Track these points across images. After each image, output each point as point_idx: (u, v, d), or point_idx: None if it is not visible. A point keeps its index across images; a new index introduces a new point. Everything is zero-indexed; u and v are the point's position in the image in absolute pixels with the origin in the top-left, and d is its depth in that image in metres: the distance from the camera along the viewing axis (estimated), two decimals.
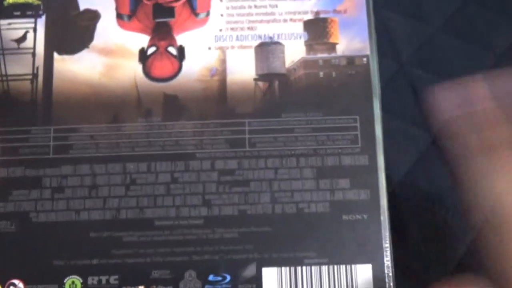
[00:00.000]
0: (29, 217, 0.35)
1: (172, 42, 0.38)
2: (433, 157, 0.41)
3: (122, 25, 0.38)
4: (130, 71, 0.38)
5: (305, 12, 0.39)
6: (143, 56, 0.38)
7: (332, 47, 0.38)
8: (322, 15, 0.39)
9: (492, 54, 0.44)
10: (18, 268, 0.35)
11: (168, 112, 0.37)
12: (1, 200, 0.36)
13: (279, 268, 0.35)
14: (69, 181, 0.36)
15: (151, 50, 0.38)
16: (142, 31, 0.38)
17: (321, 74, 0.38)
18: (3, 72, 0.38)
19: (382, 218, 0.35)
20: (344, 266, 0.34)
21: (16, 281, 0.34)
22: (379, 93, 0.37)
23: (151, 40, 0.38)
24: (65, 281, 0.34)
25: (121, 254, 0.35)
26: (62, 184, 0.36)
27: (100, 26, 0.38)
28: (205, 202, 0.36)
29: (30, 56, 0.38)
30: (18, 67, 0.38)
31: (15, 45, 0.38)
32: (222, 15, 0.39)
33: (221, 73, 0.38)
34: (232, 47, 0.38)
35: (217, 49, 0.38)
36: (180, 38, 0.38)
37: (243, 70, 0.38)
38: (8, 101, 0.37)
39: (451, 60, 0.44)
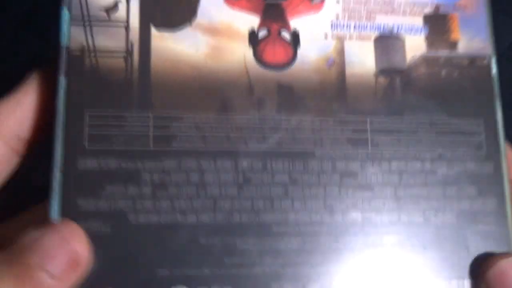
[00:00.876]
0: (127, 217, 0.30)
1: (285, 26, 0.34)
2: None
3: (229, 3, 0.34)
4: (239, 54, 0.33)
5: (425, 5, 0.36)
6: (254, 39, 0.34)
7: (453, 45, 0.36)
8: (442, 10, 0.36)
9: None
10: (114, 278, 0.29)
11: (283, 104, 0.33)
12: (93, 196, 0.30)
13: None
14: (173, 177, 0.31)
15: (263, 33, 0.34)
16: (252, 11, 0.34)
17: (443, 73, 0.35)
18: (91, 46, 0.32)
19: (510, 229, 0.33)
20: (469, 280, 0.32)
21: None
22: (500, 97, 0.35)
23: (262, 22, 0.34)
24: None
25: (235, 263, 0.31)
26: (165, 181, 0.31)
27: (205, 1, 0.34)
28: (327, 207, 0.32)
29: (123, 29, 0.33)
30: (109, 41, 0.32)
31: (104, 15, 0.32)
32: (338, 1, 0.35)
33: (339, 65, 0.34)
34: (350, 37, 0.35)
35: (334, 38, 0.34)
36: (294, 23, 0.34)
37: (362, 62, 0.34)
38: (97, 79, 0.32)
39: None
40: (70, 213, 0.30)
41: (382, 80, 0.34)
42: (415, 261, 0.32)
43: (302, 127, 0.33)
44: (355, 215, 0.32)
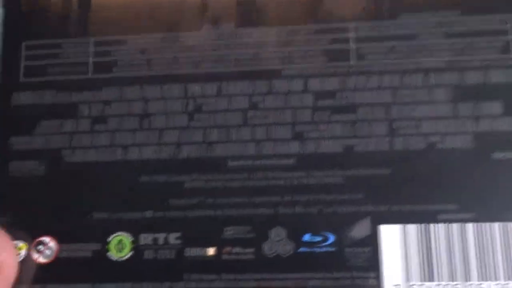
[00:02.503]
0: (62, 155, 0.27)
1: None
2: None
3: None
4: None
5: None
6: None
7: None
8: None
9: None
10: (48, 222, 0.26)
11: (243, 15, 0.27)
12: (25, 133, 0.27)
13: (403, 226, 0.24)
14: (113, 108, 0.27)
15: None
16: None
17: None
18: None
19: None
20: (497, 224, 0.24)
21: (46, 239, 0.26)
22: None
23: None
24: (109, 239, 0.25)
25: (184, 205, 0.26)
26: (104, 113, 0.27)
27: None
28: (296, 135, 0.26)
29: None
30: None
31: None
32: None
33: None
34: None
35: None
36: None
37: None
38: (31, 5, 0.28)
39: None
40: (1, 152, 0.27)
41: None
42: (415, 199, 0.25)
43: (265, 42, 0.27)
44: (333, 145, 0.26)
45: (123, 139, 0.26)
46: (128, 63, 0.27)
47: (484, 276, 0.23)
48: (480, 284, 0.23)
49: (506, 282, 0.23)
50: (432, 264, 0.24)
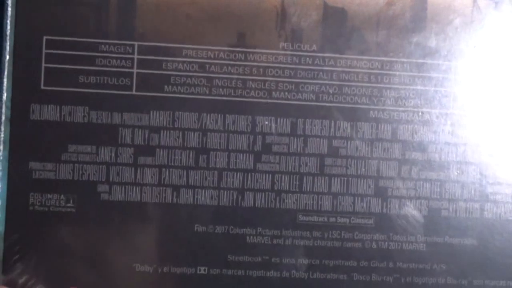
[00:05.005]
0: (97, 191, 0.22)
1: None
2: None
3: None
4: None
5: None
6: None
7: None
8: None
9: None
10: (78, 274, 0.22)
11: (330, 37, 0.22)
12: (49, 158, 0.22)
13: None
14: (163, 137, 0.22)
15: None
16: None
17: None
18: None
19: None
20: None
21: None
22: None
23: None
24: None
25: (244, 263, 0.22)
26: (151, 142, 0.22)
27: None
28: (379, 191, 0.22)
29: None
30: None
31: None
32: None
33: None
34: None
35: None
36: None
37: None
38: None
39: None
40: (19, 180, 0.21)
41: None
42: (498, 273, 0.23)
43: (355, 73, 0.22)
44: (419, 206, 0.22)
45: (174, 177, 0.22)
46: (184, 81, 0.22)
47: None
48: None
49: None
50: None
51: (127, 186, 0.22)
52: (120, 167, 0.22)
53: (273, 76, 0.22)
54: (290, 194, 0.22)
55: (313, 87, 0.22)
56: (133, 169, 0.22)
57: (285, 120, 0.22)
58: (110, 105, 0.22)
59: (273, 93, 0.22)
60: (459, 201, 0.22)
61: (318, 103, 0.22)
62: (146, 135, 0.22)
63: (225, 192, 0.22)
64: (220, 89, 0.22)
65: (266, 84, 0.22)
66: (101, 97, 0.22)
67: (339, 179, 0.22)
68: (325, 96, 0.22)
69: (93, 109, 0.22)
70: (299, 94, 0.22)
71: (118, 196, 0.22)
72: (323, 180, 0.22)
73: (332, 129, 0.22)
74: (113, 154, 0.22)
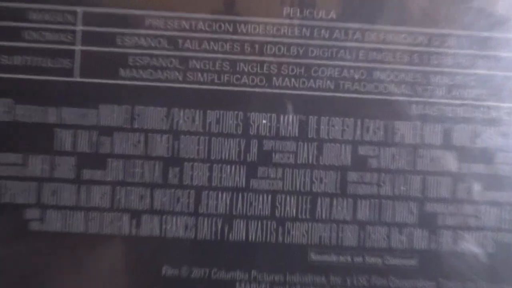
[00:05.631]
0: (25, 218, 0.15)
1: None
2: None
3: None
4: None
5: None
6: None
7: None
8: None
9: None
10: None
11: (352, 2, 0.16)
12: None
13: None
14: (117, 143, 0.16)
15: None
16: None
17: None
18: None
19: None
20: None
21: None
22: None
23: None
24: None
25: None
26: (100, 150, 0.15)
27: None
28: (424, 219, 0.16)
29: None
30: None
31: None
32: None
33: None
34: None
35: None
36: None
37: None
38: None
39: None
40: None
41: None
42: None
43: (394, 50, 0.16)
44: (479, 238, 0.16)
45: (133, 199, 0.15)
46: (147, 62, 0.15)
47: None
48: None
49: None
50: None
51: (66, 212, 0.15)
52: (57, 184, 0.15)
53: (274, 55, 0.16)
54: (298, 223, 0.16)
55: (331, 71, 0.16)
56: (75, 187, 0.15)
57: (291, 117, 0.16)
58: (43, 97, 0.15)
59: (274, 79, 0.16)
60: None
61: (338, 94, 0.16)
62: (94, 140, 0.15)
63: (206, 220, 0.16)
64: (199, 74, 0.16)
65: (264, 67, 0.16)
66: (30, 86, 0.15)
67: (367, 202, 0.16)
68: (348, 84, 0.16)
69: (19, 103, 0.15)
70: (311, 81, 0.16)
71: (54, 225, 0.15)
72: (345, 203, 0.16)
73: (359, 131, 0.16)
74: (46, 166, 0.15)
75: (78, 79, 0.15)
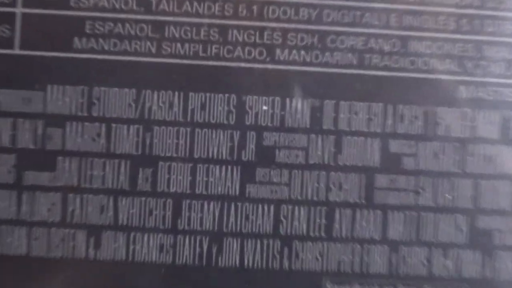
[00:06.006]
0: None
1: None
2: None
3: None
4: None
5: None
6: None
7: None
8: None
9: None
10: None
11: None
12: None
13: None
14: (71, 135, 0.12)
15: None
16: None
17: None
18: None
19: None
20: None
21: None
22: None
23: None
24: None
25: None
26: (48, 143, 0.12)
27: None
28: (476, 237, 0.12)
29: None
30: None
31: None
32: None
33: None
34: None
35: None
36: None
37: None
38: None
39: None
40: None
41: None
42: None
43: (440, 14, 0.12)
44: None
45: (91, 211, 0.12)
46: (109, 30, 0.12)
47: None
48: None
49: None
50: None
51: (2, 228, 0.12)
52: None
53: (277, 19, 0.12)
54: (310, 244, 0.12)
55: (353, 40, 0.12)
56: (14, 194, 0.12)
57: (300, 102, 0.12)
58: None
59: (277, 51, 0.12)
60: None
61: (362, 71, 0.12)
62: (39, 132, 0.12)
63: (187, 238, 0.12)
64: (178, 45, 0.12)
65: (265, 35, 0.12)
66: None
67: (401, 215, 0.12)
68: (376, 57, 0.12)
69: None
70: (327, 53, 0.12)
71: None
72: (371, 217, 0.12)
73: (390, 121, 0.12)
74: None
75: (19, 52, 0.12)
